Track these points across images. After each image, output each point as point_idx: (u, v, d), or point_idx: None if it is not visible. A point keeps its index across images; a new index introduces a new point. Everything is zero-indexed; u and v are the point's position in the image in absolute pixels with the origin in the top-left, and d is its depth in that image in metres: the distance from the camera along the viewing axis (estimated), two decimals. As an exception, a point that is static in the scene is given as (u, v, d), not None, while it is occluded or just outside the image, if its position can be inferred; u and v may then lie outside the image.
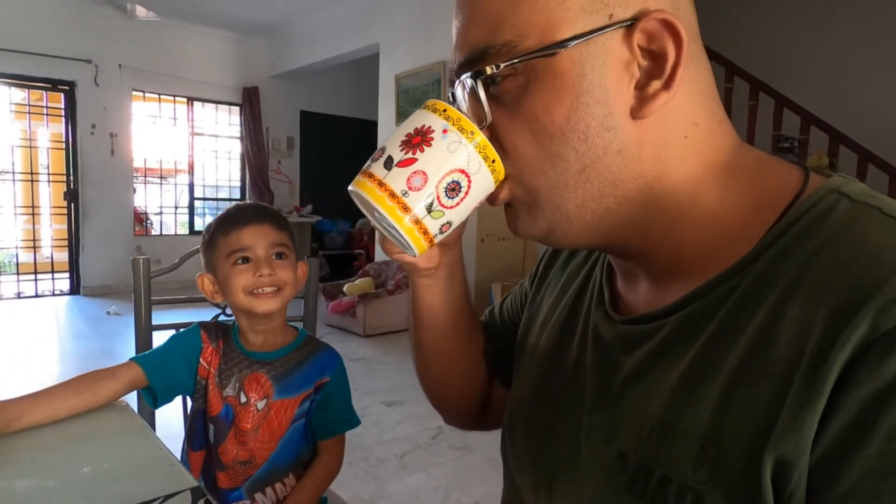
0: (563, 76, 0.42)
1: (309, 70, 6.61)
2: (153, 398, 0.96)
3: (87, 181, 5.93)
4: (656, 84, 0.41)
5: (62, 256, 6.09)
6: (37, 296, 5.89)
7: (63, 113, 5.89)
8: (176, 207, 6.86)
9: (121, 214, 6.20)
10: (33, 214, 5.94)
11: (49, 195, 6.04)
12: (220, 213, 1.03)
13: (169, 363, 0.97)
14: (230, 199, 7.11)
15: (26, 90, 5.75)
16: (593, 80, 0.41)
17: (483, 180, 0.46)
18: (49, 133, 6.09)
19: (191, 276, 1.14)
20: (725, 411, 0.38)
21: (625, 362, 0.47)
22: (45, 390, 0.83)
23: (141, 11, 4.72)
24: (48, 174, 6.02)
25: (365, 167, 0.47)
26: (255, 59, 6.91)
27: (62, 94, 5.85)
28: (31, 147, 5.88)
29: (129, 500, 0.61)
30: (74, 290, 6.06)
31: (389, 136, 0.47)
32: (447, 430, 2.64)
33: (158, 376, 0.95)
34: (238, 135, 7.05)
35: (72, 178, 5.92)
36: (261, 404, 0.97)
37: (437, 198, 0.45)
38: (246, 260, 0.96)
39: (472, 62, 0.45)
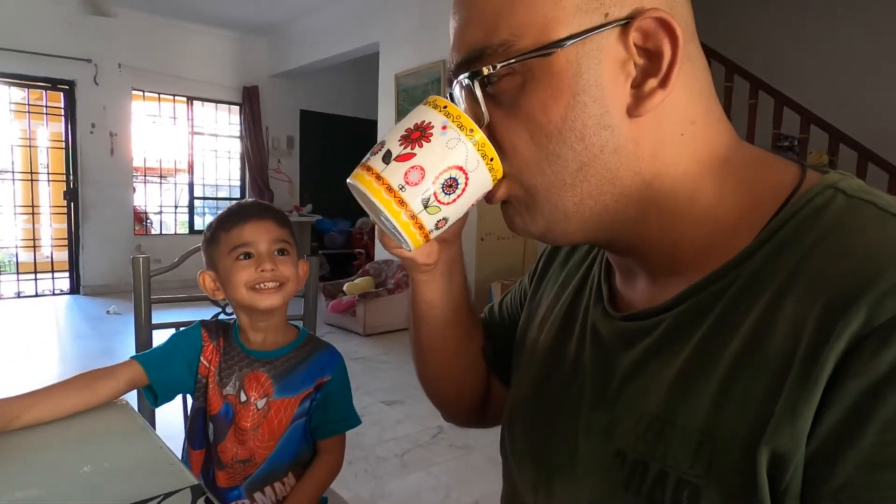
0: (559, 75, 0.42)
1: (309, 69, 6.62)
2: (154, 397, 0.96)
3: (86, 181, 5.93)
4: (652, 82, 0.42)
5: (62, 256, 6.09)
6: (37, 295, 5.90)
7: (63, 112, 5.90)
8: (176, 207, 6.86)
9: (121, 214, 6.20)
10: (33, 214, 5.94)
11: (49, 195, 6.05)
12: (220, 211, 1.04)
13: (169, 362, 0.97)
14: (230, 199, 7.11)
15: (26, 89, 5.75)
16: (590, 79, 0.42)
17: (480, 178, 0.46)
18: (49, 132, 6.09)
19: (191, 275, 1.14)
20: (722, 406, 0.38)
21: (622, 359, 0.48)
22: (45, 388, 0.83)
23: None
24: (48, 174, 6.02)
25: (364, 160, 0.48)
26: (254, 59, 6.91)
27: (62, 94, 5.86)
28: (30, 146, 5.88)
29: (129, 499, 0.61)
30: (74, 289, 6.06)
31: (390, 131, 0.48)
32: (447, 430, 2.64)
33: (159, 375, 0.95)
34: (238, 134, 7.05)
35: (71, 177, 5.92)
36: (261, 403, 0.97)
37: (434, 194, 0.45)
38: (248, 256, 0.96)
39: (470, 62, 0.45)
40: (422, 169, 0.45)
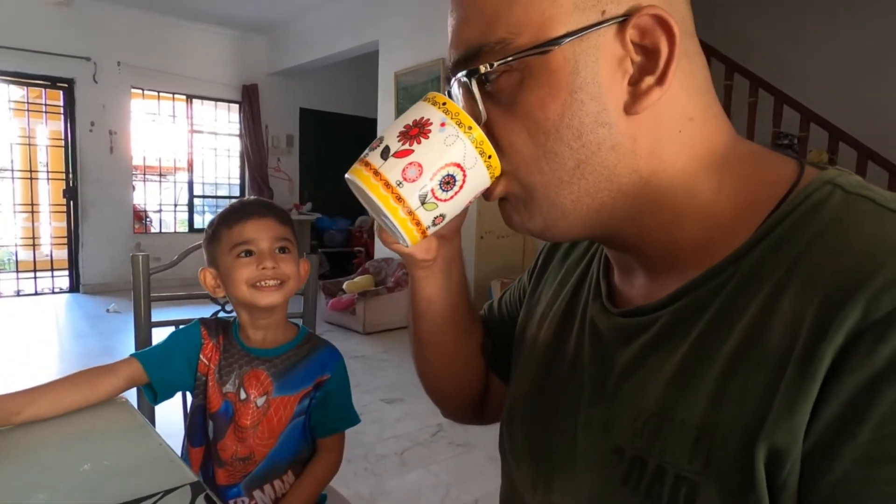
0: (556, 73, 0.42)
1: (308, 67, 6.61)
2: (153, 394, 0.96)
3: (86, 179, 5.93)
4: (649, 80, 0.42)
5: (61, 254, 6.09)
6: (36, 294, 5.90)
7: (62, 110, 5.90)
8: (175, 205, 6.86)
9: (120, 212, 6.20)
10: (32, 212, 5.94)
11: (48, 193, 6.05)
12: (220, 210, 1.04)
13: (169, 360, 0.97)
14: (229, 197, 7.11)
15: (25, 87, 5.74)
16: (587, 77, 0.42)
17: (478, 175, 0.46)
18: (48, 131, 6.09)
19: (190, 274, 1.14)
20: (719, 402, 0.38)
21: (621, 355, 0.48)
22: (44, 385, 0.83)
23: None
24: (47, 172, 6.02)
25: (363, 155, 0.48)
26: (254, 57, 6.90)
27: (61, 92, 5.85)
28: (30, 145, 5.88)
29: (128, 496, 0.62)
30: (74, 287, 6.06)
31: (389, 127, 0.48)
32: (447, 428, 2.65)
33: (158, 373, 0.95)
34: (237, 132, 7.05)
35: (71, 175, 5.92)
36: (260, 401, 0.97)
37: (432, 190, 0.45)
38: (249, 253, 0.96)
39: (467, 60, 0.45)
40: (420, 165, 0.45)
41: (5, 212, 5.87)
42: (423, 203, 0.46)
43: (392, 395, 3.13)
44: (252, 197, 1.21)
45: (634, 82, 0.42)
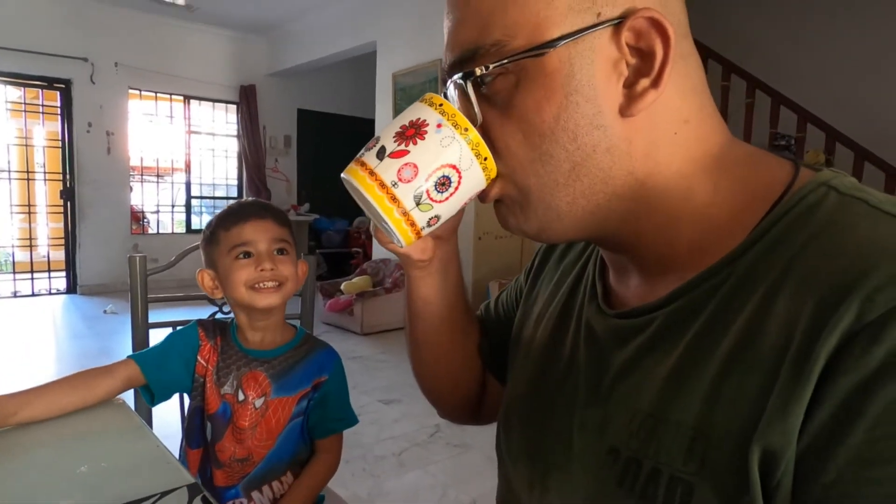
0: (552, 76, 0.42)
1: (306, 68, 6.61)
2: (150, 396, 0.96)
3: (83, 180, 5.92)
4: (644, 82, 0.42)
5: (59, 255, 6.08)
6: (33, 295, 5.89)
7: (59, 111, 5.88)
8: (173, 206, 6.85)
9: (117, 213, 6.19)
10: (29, 213, 5.93)
11: (45, 194, 6.03)
12: (218, 210, 1.04)
13: (166, 361, 0.97)
14: (227, 198, 7.11)
15: (22, 88, 5.74)
16: (582, 79, 0.42)
17: (474, 177, 0.46)
18: (45, 131, 6.08)
19: (188, 275, 1.14)
20: (714, 403, 0.38)
21: (616, 356, 0.48)
22: (41, 386, 0.83)
23: None
24: (44, 172, 6.01)
25: (359, 155, 0.48)
26: (252, 58, 6.90)
27: (58, 93, 5.84)
28: (27, 145, 5.86)
29: (126, 497, 0.62)
30: (71, 288, 6.05)
31: (386, 127, 0.48)
32: (445, 428, 2.65)
33: (156, 374, 0.95)
34: (235, 133, 7.04)
35: (68, 176, 5.91)
36: (258, 402, 0.97)
37: (427, 191, 0.45)
38: (248, 255, 0.96)
39: (463, 62, 0.45)
40: (415, 166, 0.45)
41: (2, 213, 5.85)
42: (418, 204, 0.46)
43: (390, 395, 3.13)
44: (250, 198, 1.21)
45: (629, 84, 0.42)
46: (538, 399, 0.56)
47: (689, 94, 0.44)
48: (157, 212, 6.74)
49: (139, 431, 0.80)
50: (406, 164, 0.45)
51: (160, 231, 6.77)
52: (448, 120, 0.45)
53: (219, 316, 1.15)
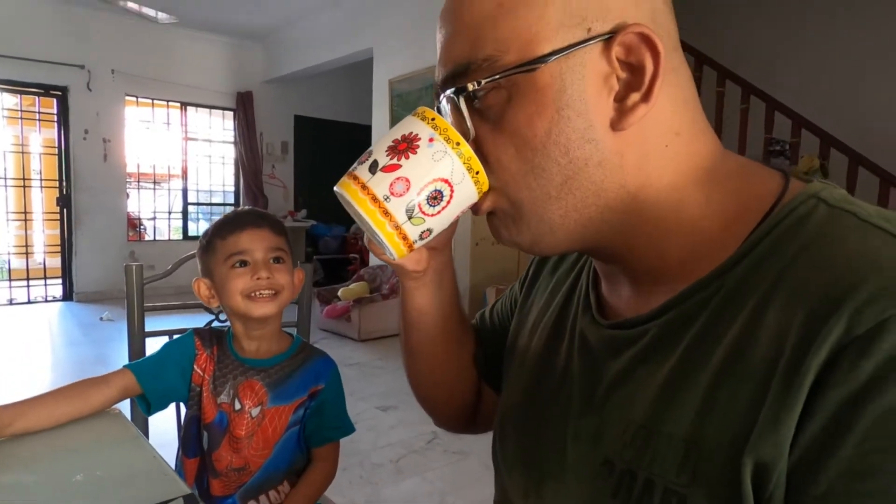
0: (543, 91, 0.42)
1: (303, 75, 6.62)
2: (146, 405, 0.96)
3: (79, 187, 5.92)
4: (635, 96, 0.42)
5: (55, 262, 6.06)
6: (29, 302, 5.86)
7: (56, 118, 5.88)
8: (169, 212, 6.84)
9: (114, 220, 6.18)
10: (25, 220, 5.91)
11: (41, 201, 6.02)
12: (215, 218, 1.04)
13: (163, 371, 0.97)
14: (224, 204, 7.10)
15: (18, 95, 5.73)
16: (573, 94, 0.42)
17: (466, 190, 0.46)
18: (41, 138, 6.08)
19: (184, 282, 1.14)
20: (706, 415, 0.39)
21: (610, 367, 0.48)
22: (36, 397, 0.83)
23: (162, 16, 4.65)
24: (41, 180, 6.00)
25: (351, 168, 0.48)
26: (249, 64, 6.91)
27: (55, 100, 5.84)
28: (23, 152, 5.85)
29: (122, 508, 0.62)
30: (67, 296, 6.03)
31: (378, 140, 0.48)
32: (442, 435, 2.64)
33: (152, 384, 0.95)
34: (232, 139, 7.04)
35: (64, 183, 5.91)
36: (255, 411, 0.97)
37: (419, 205, 0.46)
38: (244, 263, 0.96)
39: (455, 77, 0.45)
40: (407, 180, 0.45)
41: (-2, 220, 5.84)
42: (410, 217, 0.46)
43: (387, 402, 3.12)
44: (246, 207, 1.21)
45: (620, 99, 0.43)
46: (533, 408, 0.57)
47: (679, 106, 0.45)
48: (154, 218, 6.73)
49: (135, 442, 0.80)
50: (398, 179, 0.45)
51: (157, 238, 6.75)
52: (440, 134, 0.45)
53: (215, 324, 1.15)
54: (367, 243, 0.54)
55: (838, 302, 0.34)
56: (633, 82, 0.42)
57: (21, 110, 5.77)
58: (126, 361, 1.00)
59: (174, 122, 6.67)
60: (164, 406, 0.99)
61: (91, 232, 6.01)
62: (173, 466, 0.77)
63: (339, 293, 4.78)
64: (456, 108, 0.46)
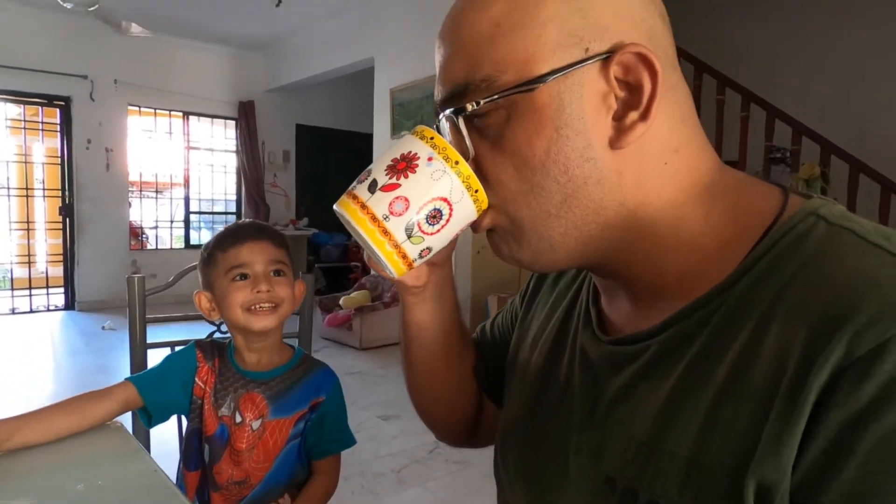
0: (542, 110, 0.43)
1: (304, 84, 6.65)
2: (148, 418, 0.96)
3: (82, 196, 5.93)
4: (633, 115, 0.42)
5: (57, 271, 6.07)
6: (31, 311, 5.87)
7: (58, 128, 5.91)
8: (172, 221, 6.85)
9: (116, 229, 6.19)
10: (28, 229, 5.93)
11: (44, 210, 6.04)
12: (217, 226, 1.04)
13: (164, 383, 0.97)
14: (226, 213, 7.11)
15: (22, 105, 5.76)
16: (572, 113, 0.42)
17: (465, 209, 0.47)
18: (44, 148, 6.10)
19: (186, 291, 1.15)
20: (708, 434, 0.39)
21: (611, 383, 0.48)
22: (37, 410, 0.83)
23: (135, 28, 4.78)
24: (43, 189, 6.02)
25: (351, 187, 0.48)
26: (250, 74, 6.94)
27: (58, 110, 5.87)
28: (26, 162, 5.87)
29: (122, 524, 0.61)
30: (69, 305, 6.04)
31: (377, 159, 0.48)
32: (444, 445, 2.62)
33: (153, 396, 0.95)
34: (234, 148, 7.07)
35: (67, 192, 5.92)
36: (256, 424, 0.97)
37: (418, 224, 0.46)
38: (244, 276, 0.96)
39: (454, 97, 0.46)
40: (406, 200, 0.45)
41: (1, 229, 5.85)
42: (409, 237, 0.46)
43: (388, 411, 3.11)
44: (247, 220, 1.21)
45: (619, 118, 0.43)
46: (534, 422, 0.57)
47: (677, 123, 0.45)
48: (156, 227, 6.74)
49: (136, 455, 0.80)
50: (397, 198, 0.45)
51: (159, 247, 6.76)
52: (439, 153, 0.46)
53: (217, 336, 1.15)
54: (367, 260, 0.54)
55: (838, 321, 0.34)
56: (632, 101, 0.42)
57: (24, 120, 5.80)
58: (128, 371, 1.00)
59: (176, 131, 6.70)
60: (165, 418, 0.99)
61: (93, 241, 6.02)
62: (174, 479, 0.77)
63: (341, 301, 4.78)
64: (455, 128, 0.47)
